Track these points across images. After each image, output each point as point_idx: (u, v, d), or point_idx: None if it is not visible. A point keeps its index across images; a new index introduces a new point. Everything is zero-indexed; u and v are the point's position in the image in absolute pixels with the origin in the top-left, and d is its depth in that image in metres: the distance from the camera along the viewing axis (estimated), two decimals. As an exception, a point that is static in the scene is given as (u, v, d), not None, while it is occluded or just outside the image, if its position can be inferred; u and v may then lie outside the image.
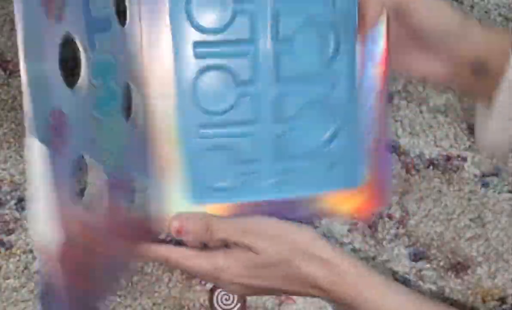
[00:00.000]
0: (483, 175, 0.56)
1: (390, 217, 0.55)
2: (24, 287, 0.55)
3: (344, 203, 0.45)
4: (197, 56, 0.42)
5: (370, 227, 0.55)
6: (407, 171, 0.56)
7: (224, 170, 0.44)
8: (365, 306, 0.40)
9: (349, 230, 0.55)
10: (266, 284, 0.42)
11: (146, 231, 0.42)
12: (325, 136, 0.45)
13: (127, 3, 0.41)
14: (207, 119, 0.43)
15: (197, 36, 0.42)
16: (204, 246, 0.41)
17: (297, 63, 0.43)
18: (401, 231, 0.55)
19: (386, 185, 0.46)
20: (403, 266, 0.53)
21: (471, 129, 0.57)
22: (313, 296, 0.42)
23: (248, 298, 0.53)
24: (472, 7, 0.58)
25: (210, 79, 0.43)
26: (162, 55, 0.42)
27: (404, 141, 0.57)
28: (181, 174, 0.43)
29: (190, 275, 0.46)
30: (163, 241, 0.42)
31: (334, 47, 0.43)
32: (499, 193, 0.56)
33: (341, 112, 0.44)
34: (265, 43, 0.43)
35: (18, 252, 0.54)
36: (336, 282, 0.41)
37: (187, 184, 0.43)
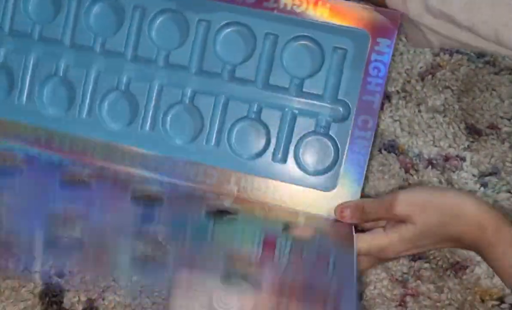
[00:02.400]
0: (482, 175, 0.56)
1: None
2: (24, 287, 0.55)
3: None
4: None
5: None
6: (406, 171, 0.56)
7: None
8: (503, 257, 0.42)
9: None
10: (421, 249, 0.45)
11: None
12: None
13: None
14: None
15: None
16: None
17: None
18: (400, 230, 0.55)
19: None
20: (402, 265, 0.53)
21: (470, 129, 0.57)
22: (462, 248, 0.46)
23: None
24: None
25: None
26: None
27: (403, 141, 0.57)
28: None
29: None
30: None
31: None
32: (497, 192, 0.56)
33: None
34: None
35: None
36: (481, 238, 0.42)
37: None
